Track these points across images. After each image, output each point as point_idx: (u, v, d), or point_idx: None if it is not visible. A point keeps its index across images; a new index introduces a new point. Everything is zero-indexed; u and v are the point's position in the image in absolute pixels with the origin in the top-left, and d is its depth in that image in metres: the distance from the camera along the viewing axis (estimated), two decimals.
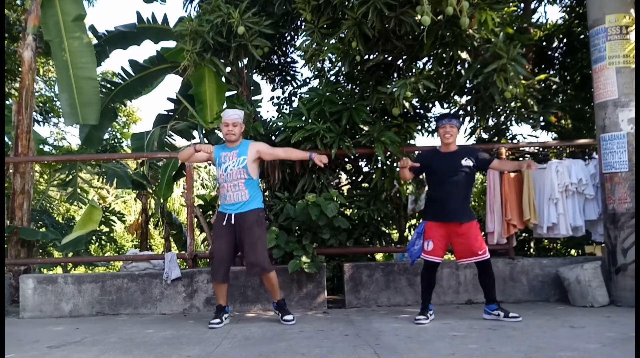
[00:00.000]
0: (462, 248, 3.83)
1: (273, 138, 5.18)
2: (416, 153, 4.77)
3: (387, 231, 5.81)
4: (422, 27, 4.15)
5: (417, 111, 5.61)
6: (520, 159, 5.79)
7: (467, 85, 5.21)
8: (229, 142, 3.91)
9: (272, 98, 6.96)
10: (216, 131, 6.85)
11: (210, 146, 3.91)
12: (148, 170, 7.90)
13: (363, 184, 5.63)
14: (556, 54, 6.78)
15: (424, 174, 4.13)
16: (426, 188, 4.23)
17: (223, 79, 6.55)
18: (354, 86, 5.65)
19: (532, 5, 6.81)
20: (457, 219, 3.79)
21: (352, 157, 5.34)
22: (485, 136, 5.92)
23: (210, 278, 3.92)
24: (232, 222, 3.81)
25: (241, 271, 4.63)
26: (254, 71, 6.54)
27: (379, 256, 7.62)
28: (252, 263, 3.83)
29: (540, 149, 5.67)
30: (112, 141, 11.84)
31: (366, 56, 4.88)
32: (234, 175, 3.83)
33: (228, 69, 5.95)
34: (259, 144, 4.05)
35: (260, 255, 3.81)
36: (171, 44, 7.33)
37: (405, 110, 4.71)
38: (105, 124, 7.97)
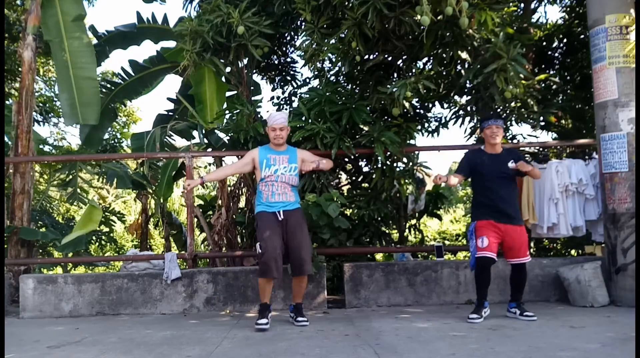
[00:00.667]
0: (515, 247, 3.85)
1: None
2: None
3: (387, 231, 5.82)
4: (422, 27, 4.15)
5: (417, 111, 5.61)
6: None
7: (467, 85, 5.20)
8: (277, 146, 3.99)
9: (272, 98, 6.96)
10: (216, 131, 6.85)
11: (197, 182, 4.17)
12: (148, 170, 7.90)
13: (363, 184, 5.63)
14: (556, 54, 6.78)
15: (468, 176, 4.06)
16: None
17: (223, 79, 6.54)
18: (354, 86, 5.64)
19: (532, 5, 6.80)
20: (510, 221, 3.83)
21: (352, 157, 5.34)
22: None
23: (261, 274, 3.75)
24: (281, 218, 3.85)
25: (241, 271, 4.63)
26: (254, 71, 6.53)
27: (379, 256, 7.62)
28: (300, 260, 3.81)
29: (540, 149, 5.67)
30: (112, 141, 11.85)
31: (366, 56, 4.88)
32: (286, 179, 3.94)
33: (228, 69, 5.95)
34: (303, 152, 4.21)
35: (306, 253, 3.85)
36: (171, 44, 7.33)
37: (405, 110, 4.71)
38: (105, 124, 7.97)
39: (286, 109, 6.77)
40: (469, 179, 4.11)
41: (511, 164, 3.86)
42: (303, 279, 3.92)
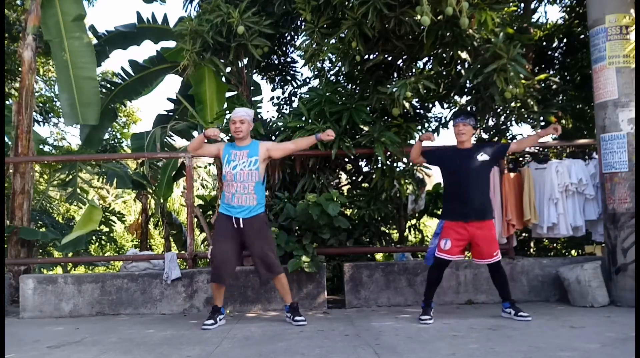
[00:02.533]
0: (480, 249, 3.85)
1: (273, 138, 5.18)
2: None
3: (387, 231, 5.82)
4: (422, 27, 4.15)
5: (417, 111, 5.61)
6: (521, 159, 5.79)
7: (467, 85, 5.20)
8: (238, 140, 3.90)
9: (272, 98, 6.96)
10: None
11: (218, 131, 3.87)
12: (148, 170, 7.90)
13: (363, 184, 5.63)
14: (556, 54, 6.78)
15: (439, 169, 4.10)
16: (440, 186, 4.21)
17: (223, 79, 6.55)
18: (354, 86, 5.65)
19: (532, 5, 6.81)
20: (478, 217, 3.81)
21: (352, 157, 5.34)
22: (485, 136, 5.92)
23: (211, 279, 3.87)
24: (239, 226, 3.78)
25: (241, 271, 4.63)
26: (254, 71, 6.54)
27: (379, 256, 7.62)
28: (264, 265, 3.82)
29: (540, 149, 5.67)
30: (112, 141, 11.85)
31: (366, 56, 4.88)
32: (244, 176, 3.80)
33: (228, 69, 5.96)
34: (268, 142, 4.06)
35: (271, 258, 3.82)
36: (171, 44, 7.34)
37: (405, 110, 4.71)
38: (105, 124, 7.98)
39: (286, 109, 6.77)
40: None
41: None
42: (279, 279, 3.89)
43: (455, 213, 3.85)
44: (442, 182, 4.14)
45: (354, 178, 5.81)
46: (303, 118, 4.84)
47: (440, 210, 4.20)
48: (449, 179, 3.98)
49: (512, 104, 5.04)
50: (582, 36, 6.46)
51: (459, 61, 4.79)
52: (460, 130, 3.91)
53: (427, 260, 3.96)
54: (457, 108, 5.65)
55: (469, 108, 5.39)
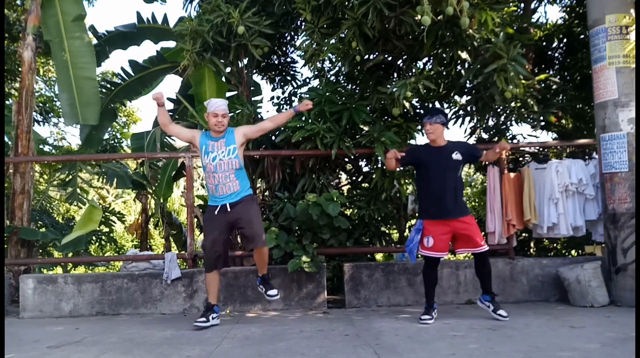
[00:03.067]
0: (464, 240, 3.83)
1: (273, 137, 5.19)
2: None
3: (387, 231, 5.82)
4: (422, 27, 4.15)
5: (417, 111, 5.61)
6: (521, 159, 5.79)
7: (467, 85, 5.21)
8: (216, 132, 3.87)
9: (272, 98, 6.95)
10: None
11: (162, 94, 3.77)
12: (148, 170, 7.90)
13: (363, 184, 5.63)
14: (556, 54, 6.78)
15: (413, 168, 4.11)
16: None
17: (223, 79, 6.55)
18: (354, 86, 5.64)
19: (532, 5, 6.80)
20: (455, 216, 3.80)
21: (352, 157, 5.34)
22: (485, 136, 5.92)
23: (206, 270, 3.89)
24: (226, 211, 3.80)
25: (241, 271, 4.63)
26: (254, 71, 6.54)
27: (379, 256, 7.62)
28: (252, 235, 3.81)
29: (540, 149, 5.67)
30: (112, 141, 11.85)
31: (366, 56, 4.88)
32: (225, 166, 3.80)
33: (228, 69, 5.96)
34: (242, 127, 4.05)
35: (257, 227, 3.81)
36: (171, 44, 7.33)
37: (405, 110, 4.71)
38: (105, 124, 7.98)
39: (286, 109, 6.77)
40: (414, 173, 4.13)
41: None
42: (261, 251, 3.89)
43: (431, 211, 3.85)
44: (416, 180, 4.13)
45: (354, 178, 5.81)
46: (303, 118, 4.83)
47: (418, 207, 4.18)
48: (422, 177, 3.96)
49: (512, 104, 5.05)
50: (582, 36, 6.46)
51: (459, 61, 4.79)
52: (427, 130, 3.90)
53: (411, 255, 3.94)
54: (457, 108, 5.64)
55: (468, 108, 5.40)
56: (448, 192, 3.80)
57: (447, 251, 3.93)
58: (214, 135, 3.87)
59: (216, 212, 3.82)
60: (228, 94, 6.83)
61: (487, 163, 4.78)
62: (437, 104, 5.67)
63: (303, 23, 5.24)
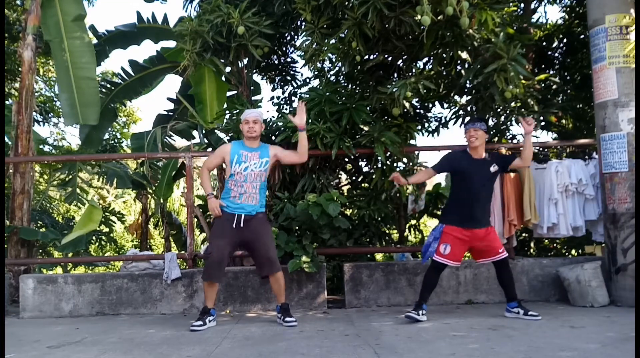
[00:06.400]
0: (484, 249, 3.88)
1: (273, 137, 5.18)
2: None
3: (387, 231, 5.81)
4: (422, 27, 4.15)
5: (417, 111, 5.61)
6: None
7: (467, 85, 5.20)
8: (250, 140, 3.92)
9: (272, 98, 6.96)
10: (216, 131, 6.85)
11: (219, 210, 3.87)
12: (148, 170, 7.90)
13: (363, 184, 5.62)
14: (556, 54, 6.79)
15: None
16: (438, 188, 4.22)
17: (223, 79, 6.55)
18: (354, 86, 5.64)
19: (532, 5, 6.80)
20: (482, 225, 3.85)
21: (352, 157, 5.34)
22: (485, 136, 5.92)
23: (205, 277, 3.85)
24: (239, 226, 3.79)
25: (241, 271, 4.63)
26: (254, 71, 6.53)
27: (379, 256, 7.62)
28: (267, 259, 3.82)
29: (540, 149, 5.67)
30: (112, 141, 11.85)
31: (366, 56, 4.87)
32: (255, 177, 3.85)
33: (228, 69, 5.96)
34: (276, 147, 4.12)
35: (272, 251, 3.86)
36: (171, 44, 7.34)
37: (405, 110, 4.71)
38: (105, 124, 7.98)
39: (286, 109, 6.77)
40: (442, 180, 4.16)
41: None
42: (278, 277, 3.89)
43: (458, 219, 3.86)
44: (443, 183, 4.15)
45: (354, 178, 5.80)
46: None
47: (441, 212, 4.20)
48: (459, 186, 3.96)
49: (512, 104, 5.04)
50: (582, 36, 6.46)
51: (459, 61, 4.79)
52: (472, 136, 3.92)
53: (424, 257, 3.98)
54: (457, 108, 5.64)
55: (468, 108, 5.40)
56: (481, 202, 3.86)
57: (460, 262, 3.97)
58: (249, 145, 3.93)
59: (233, 223, 3.79)
60: (228, 94, 6.85)
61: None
62: (437, 104, 5.68)
63: (303, 23, 5.24)
